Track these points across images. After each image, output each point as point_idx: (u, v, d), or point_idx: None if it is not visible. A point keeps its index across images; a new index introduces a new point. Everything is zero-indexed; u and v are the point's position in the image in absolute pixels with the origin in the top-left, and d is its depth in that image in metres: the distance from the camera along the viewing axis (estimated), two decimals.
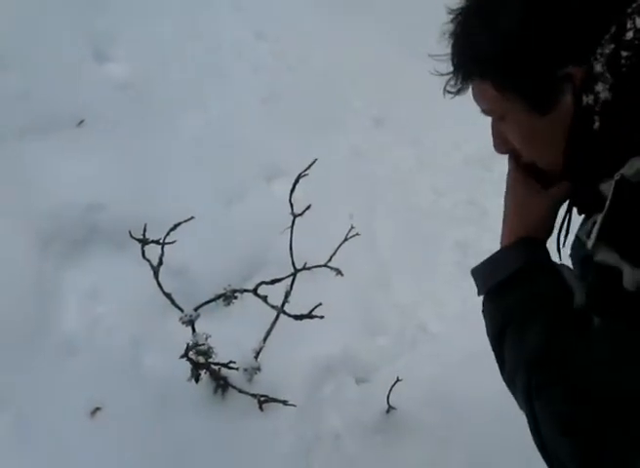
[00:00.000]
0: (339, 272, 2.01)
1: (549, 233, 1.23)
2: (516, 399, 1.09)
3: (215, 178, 2.65)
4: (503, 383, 1.15)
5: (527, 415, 1.05)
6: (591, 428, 0.95)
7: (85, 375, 2.04)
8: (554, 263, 1.18)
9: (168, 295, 1.95)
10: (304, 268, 2.01)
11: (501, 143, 1.19)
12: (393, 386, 2.10)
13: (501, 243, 1.23)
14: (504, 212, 1.26)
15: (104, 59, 2.88)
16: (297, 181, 1.95)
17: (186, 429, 1.98)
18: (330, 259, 2.03)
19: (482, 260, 1.24)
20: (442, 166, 3.24)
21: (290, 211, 1.99)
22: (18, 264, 2.16)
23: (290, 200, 1.97)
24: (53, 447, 1.87)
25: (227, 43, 3.28)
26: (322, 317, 1.92)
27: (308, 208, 1.98)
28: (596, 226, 1.03)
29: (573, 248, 1.24)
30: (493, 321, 1.18)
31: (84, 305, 2.20)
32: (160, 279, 1.92)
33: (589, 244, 1.04)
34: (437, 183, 2.98)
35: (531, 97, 1.06)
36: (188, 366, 1.94)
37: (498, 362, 1.16)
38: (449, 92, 1.14)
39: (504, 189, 1.28)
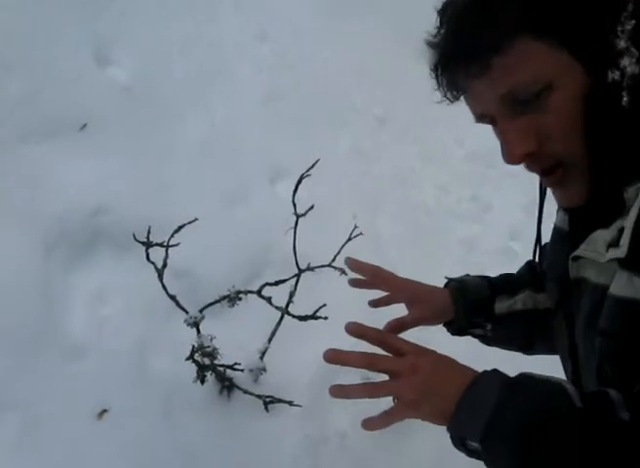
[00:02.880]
0: (343, 272, 2.01)
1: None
2: None
3: (218, 180, 2.66)
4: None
5: None
6: None
7: (92, 378, 2.05)
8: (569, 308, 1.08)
9: (172, 297, 1.95)
10: (308, 269, 2.02)
11: (522, 143, 1.00)
12: None
13: (452, 404, 0.95)
14: (424, 385, 0.98)
15: (107, 63, 2.88)
16: (299, 182, 1.95)
17: (193, 430, 1.99)
18: (334, 259, 2.03)
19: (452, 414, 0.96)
20: (445, 163, 3.24)
21: (293, 211, 1.99)
22: (23, 268, 2.17)
23: (293, 200, 1.97)
24: (60, 449, 1.88)
25: (229, 44, 3.28)
26: (326, 318, 1.93)
27: (311, 208, 1.99)
28: (627, 233, 0.94)
29: (550, 266, 1.21)
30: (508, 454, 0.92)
31: (90, 308, 2.21)
32: (165, 281, 1.93)
33: (622, 252, 0.94)
34: (440, 180, 2.99)
35: (587, 56, 0.96)
36: (194, 367, 1.95)
37: None
38: (444, 98, 1.06)
39: None
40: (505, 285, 1.50)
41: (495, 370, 0.96)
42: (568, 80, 0.96)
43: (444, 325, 1.55)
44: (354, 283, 1.53)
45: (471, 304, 1.49)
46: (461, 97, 1.05)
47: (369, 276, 1.50)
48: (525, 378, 0.94)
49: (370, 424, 1.06)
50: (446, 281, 1.56)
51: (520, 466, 0.90)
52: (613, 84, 0.95)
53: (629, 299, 0.91)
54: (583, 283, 1.04)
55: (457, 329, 1.54)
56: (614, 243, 0.96)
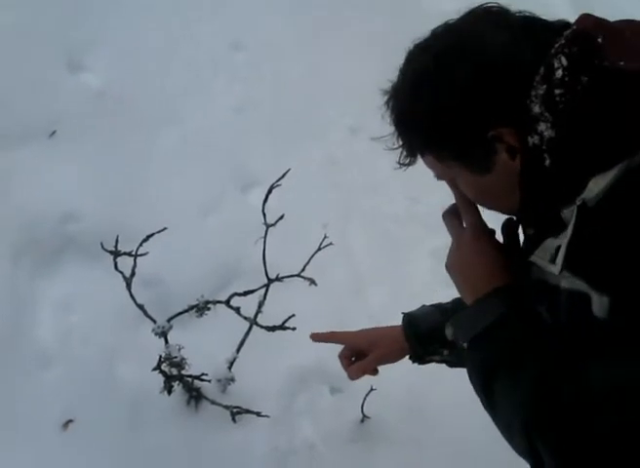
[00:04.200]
0: (312, 282, 2.01)
1: (513, 276, 1.23)
2: (514, 445, 1.08)
3: (190, 189, 2.65)
4: None
5: (529, 458, 1.04)
6: (593, 458, 0.94)
7: (58, 387, 2.04)
8: (533, 307, 1.18)
9: (140, 307, 1.94)
10: (277, 279, 2.01)
11: (462, 198, 1.28)
12: (367, 395, 2.10)
13: (471, 297, 1.23)
14: (462, 267, 1.28)
15: (79, 69, 2.87)
16: (269, 192, 1.95)
17: (159, 441, 1.98)
18: (303, 269, 2.03)
19: (459, 312, 1.25)
20: (416, 173, 3.24)
21: (263, 221, 1.99)
22: None
23: (263, 210, 1.97)
24: (25, 459, 1.87)
25: (203, 54, 3.27)
26: (294, 329, 1.92)
27: (281, 218, 1.98)
28: (561, 253, 1.04)
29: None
30: (478, 369, 1.16)
31: (57, 316, 2.20)
32: (133, 290, 1.91)
33: (556, 270, 1.06)
34: (412, 191, 2.99)
35: (469, 163, 1.14)
36: (161, 377, 1.93)
37: (488, 410, 1.14)
38: (401, 164, 1.24)
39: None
40: (455, 309, 1.55)
41: (508, 293, 1.18)
42: (461, 179, 1.20)
43: (408, 357, 1.70)
44: (315, 337, 1.76)
45: (422, 335, 1.63)
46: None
47: (327, 341, 1.76)
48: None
49: None
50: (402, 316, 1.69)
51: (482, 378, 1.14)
52: (534, 148, 1.05)
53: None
54: (544, 283, 1.13)
55: (416, 358, 1.68)
56: (552, 259, 1.07)
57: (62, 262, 2.32)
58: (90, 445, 1.92)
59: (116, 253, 1.86)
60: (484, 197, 1.22)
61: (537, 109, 1.03)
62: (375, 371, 1.71)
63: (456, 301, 1.59)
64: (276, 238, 2.00)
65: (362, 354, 1.70)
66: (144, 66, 3.02)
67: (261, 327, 1.99)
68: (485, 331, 1.15)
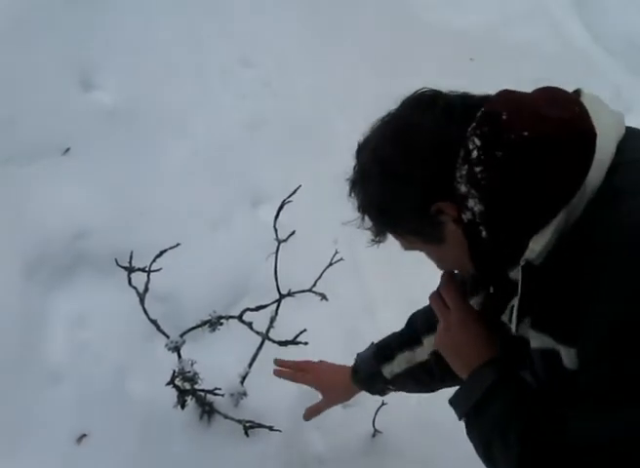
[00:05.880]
0: (323, 297, 2.03)
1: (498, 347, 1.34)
2: None
3: (201, 205, 2.67)
4: None
5: None
6: None
7: (71, 402, 2.04)
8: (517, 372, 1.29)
9: (154, 322, 1.95)
10: (289, 294, 2.03)
11: (443, 277, 1.43)
12: (379, 410, 2.11)
13: (463, 373, 1.35)
14: (452, 347, 1.39)
15: (91, 87, 2.89)
16: (281, 208, 1.97)
17: (172, 455, 1.98)
18: (314, 284, 2.05)
19: (456, 392, 1.36)
20: None
21: (274, 236, 2.01)
22: (3, 291, 2.16)
23: (274, 226, 1.99)
24: None
25: (213, 70, 3.30)
26: (306, 343, 1.94)
27: (293, 233, 2.00)
28: (514, 312, 1.16)
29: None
30: (477, 441, 1.28)
31: (70, 332, 2.20)
32: (146, 305, 1.93)
33: (512, 329, 1.18)
34: None
35: (424, 236, 1.27)
36: (174, 392, 1.95)
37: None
38: (373, 241, 1.38)
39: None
40: (385, 351, 1.81)
41: (496, 365, 1.29)
42: (423, 250, 1.33)
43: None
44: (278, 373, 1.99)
45: (364, 381, 1.87)
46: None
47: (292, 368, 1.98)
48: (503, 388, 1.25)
49: None
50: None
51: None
52: (470, 223, 1.15)
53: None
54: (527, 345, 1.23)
55: (371, 393, 1.94)
56: (508, 318, 1.20)
57: (75, 278, 2.33)
58: (104, 459, 1.93)
59: (130, 270, 1.88)
60: (446, 264, 1.36)
61: (463, 188, 1.13)
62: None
63: (386, 342, 1.84)
64: (287, 253, 2.02)
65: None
66: (155, 83, 3.04)
67: (274, 341, 2.00)
68: (475, 408, 1.27)
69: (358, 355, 1.89)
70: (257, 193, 2.84)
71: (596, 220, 1.06)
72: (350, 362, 1.90)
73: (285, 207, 1.97)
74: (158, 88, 3.04)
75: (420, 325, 1.75)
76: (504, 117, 1.11)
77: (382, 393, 1.92)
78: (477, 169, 1.11)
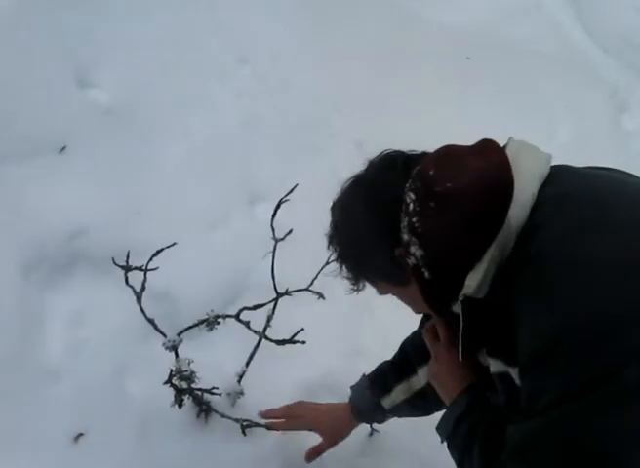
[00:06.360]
0: (320, 296, 2.03)
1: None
2: None
3: (198, 203, 2.66)
4: None
5: None
6: None
7: (68, 401, 2.04)
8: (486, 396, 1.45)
9: (151, 321, 1.95)
10: (286, 293, 2.03)
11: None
12: None
13: (447, 401, 1.53)
14: (439, 377, 1.58)
15: (87, 85, 2.88)
16: (278, 207, 1.97)
17: (170, 454, 1.98)
18: (311, 283, 2.05)
19: (440, 419, 1.53)
20: None
21: (271, 235, 2.01)
22: (0, 290, 2.16)
23: (272, 225, 1.99)
24: None
25: (210, 68, 3.30)
26: (304, 342, 1.93)
27: (290, 232, 2.00)
28: (459, 342, 1.34)
29: None
30: (455, 461, 1.44)
31: (67, 331, 2.20)
32: (143, 304, 1.93)
33: (459, 357, 1.37)
34: None
35: (393, 280, 1.44)
36: (171, 391, 1.94)
37: None
38: (352, 289, 1.55)
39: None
40: (381, 383, 1.89)
41: (470, 392, 1.48)
42: (394, 292, 1.50)
43: None
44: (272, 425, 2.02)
45: (366, 416, 1.95)
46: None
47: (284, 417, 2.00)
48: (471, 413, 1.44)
49: None
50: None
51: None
52: (415, 267, 1.31)
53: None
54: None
55: (370, 424, 2.06)
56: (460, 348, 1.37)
57: (72, 277, 2.33)
58: (101, 458, 1.93)
59: (127, 268, 1.88)
60: (417, 305, 1.48)
61: (406, 237, 1.30)
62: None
63: (381, 373, 1.91)
64: (284, 252, 2.02)
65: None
66: (151, 81, 3.04)
67: (271, 340, 2.00)
68: (451, 432, 1.46)
69: (353, 390, 1.96)
70: (254, 191, 2.84)
71: (518, 254, 1.21)
72: (348, 362, 1.90)
73: (282, 205, 1.97)
74: (155, 86, 3.03)
75: (413, 355, 1.84)
76: (431, 173, 1.28)
77: (382, 422, 2.00)
78: (414, 219, 1.28)
